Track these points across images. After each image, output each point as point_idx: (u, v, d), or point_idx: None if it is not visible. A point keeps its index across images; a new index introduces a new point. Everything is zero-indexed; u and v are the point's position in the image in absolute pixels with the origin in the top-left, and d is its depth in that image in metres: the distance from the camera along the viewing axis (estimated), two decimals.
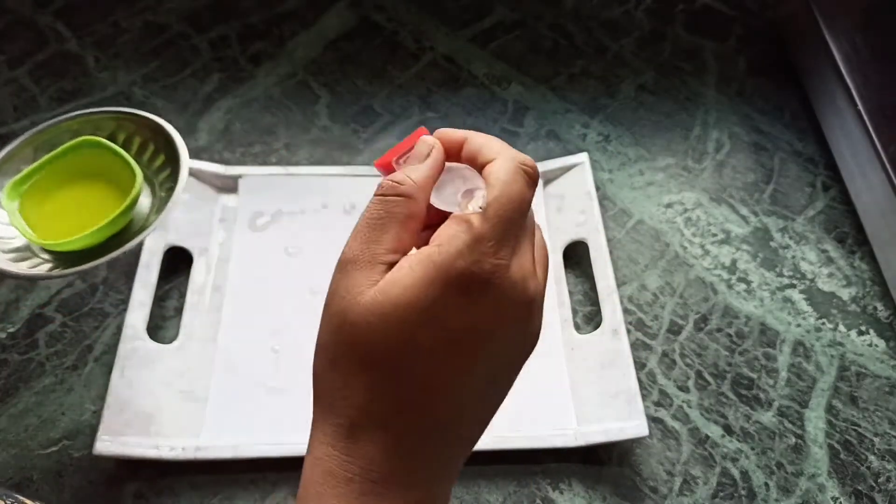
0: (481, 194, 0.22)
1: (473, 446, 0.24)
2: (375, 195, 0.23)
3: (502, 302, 0.22)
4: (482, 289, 0.21)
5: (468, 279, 0.21)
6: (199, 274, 0.48)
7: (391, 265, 0.22)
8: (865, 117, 0.54)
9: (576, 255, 0.52)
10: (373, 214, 0.23)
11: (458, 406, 0.22)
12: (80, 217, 0.37)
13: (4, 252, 0.37)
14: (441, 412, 0.22)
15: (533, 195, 0.23)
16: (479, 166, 0.24)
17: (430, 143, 0.24)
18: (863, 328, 0.51)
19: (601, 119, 0.61)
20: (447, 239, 0.21)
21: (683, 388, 0.48)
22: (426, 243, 0.22)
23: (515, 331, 0.23)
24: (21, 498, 0.33)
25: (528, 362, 0.45)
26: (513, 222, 0.22)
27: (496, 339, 0.22)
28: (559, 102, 0.62)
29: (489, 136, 0.24)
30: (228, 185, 0.53)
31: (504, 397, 0.25)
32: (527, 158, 0.24)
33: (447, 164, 0.24)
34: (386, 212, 0.23)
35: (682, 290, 0.52)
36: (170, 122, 0.41)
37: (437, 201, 0.23)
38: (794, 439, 0.46)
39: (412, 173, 0.23)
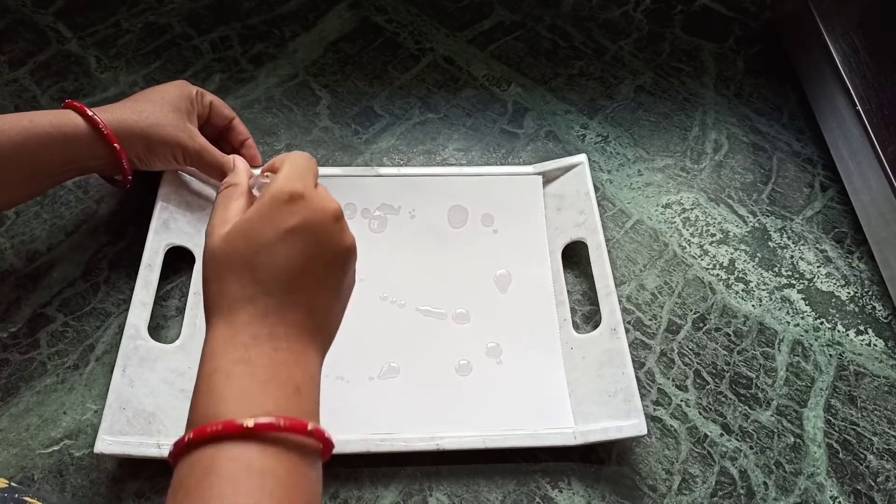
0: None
1: (324, 314, 0.33)
2: (217, 192, 0.36)
3: (317, 206, 0.32)
4: (300, 197, 0.32)
5: (288, 193, 0.31)
6: (200, 274, 0.49)
7: None
8: (864, 117, 0.54)
9: (575, 255, 0.52)
10: (219, 200, 0.35)
11: (302, 281, 0.31)
12: None
13: None
14: (288, 286, 0.31)
15: (314, 164, 0.35)
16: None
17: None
18: (861, 328, 0.51)
19: (600, 120, 0.62)
20: (268, 186, 0.33)
21: (682, 388, 0.48)
22: None
23: (334, 231, 0.32)
24: (30, 501, 0.33)
25: (527, 361, 0.46)
26: (305, 169, 0.33)
27: (320, 233, 0.32)
28: (558, 103, 0.62)
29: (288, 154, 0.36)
30: None
31: (340, 290, 0.34)
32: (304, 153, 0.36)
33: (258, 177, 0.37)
34: (225, 196, 0.35)
35: (681, 289, 0.52)
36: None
37: (254, 191, 0.37)
38: (792, 438, 0.46)
39: (232, 174, 0.37)
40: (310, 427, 0.29)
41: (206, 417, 0.28)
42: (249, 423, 0.27)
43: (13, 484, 0.34)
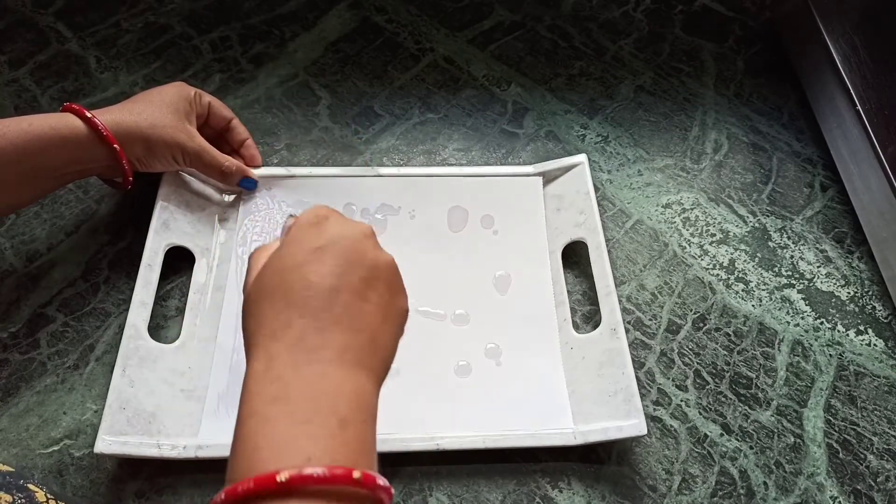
0: None
1: (372, 333, 0.31)
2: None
3: (345, 223, 0.32)
4: (325, 218, 0.32)
5: (314, 216, 0.32)
6: (200, 274, 0.49)
7: None
8: (864, 117, 0.54)
9: (575, 255, 0.52)
10: (253, 256, 0.35)
11: (339, 298, 0.30)
12: None
13: None
14: (325, 304, 0.29)
15: (333, 212, 0.34)
16: None
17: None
18: (861, 328, 0.51)
19: (600, 120, 0.62)
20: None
21: (682, 388, 0.48)
22: None
23: (367, 246, 0.32)
24: (31, 487, 0.33)
25: (526, 361, 0.46)
26: (328, 210, 0.33)
27: (351, 249, 0.31)
28: (558, 103, 0.62)
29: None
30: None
31: (388, 309, 0.32)
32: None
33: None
34: (258, 250, 0.35)
35: (681, 289, 0.52)
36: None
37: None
38: (792, 438, 0.46)
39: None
40: (356, 475, 0.25)
41: (240, 472, 0.25)
42: (283, 476, 0.24)
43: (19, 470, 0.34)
